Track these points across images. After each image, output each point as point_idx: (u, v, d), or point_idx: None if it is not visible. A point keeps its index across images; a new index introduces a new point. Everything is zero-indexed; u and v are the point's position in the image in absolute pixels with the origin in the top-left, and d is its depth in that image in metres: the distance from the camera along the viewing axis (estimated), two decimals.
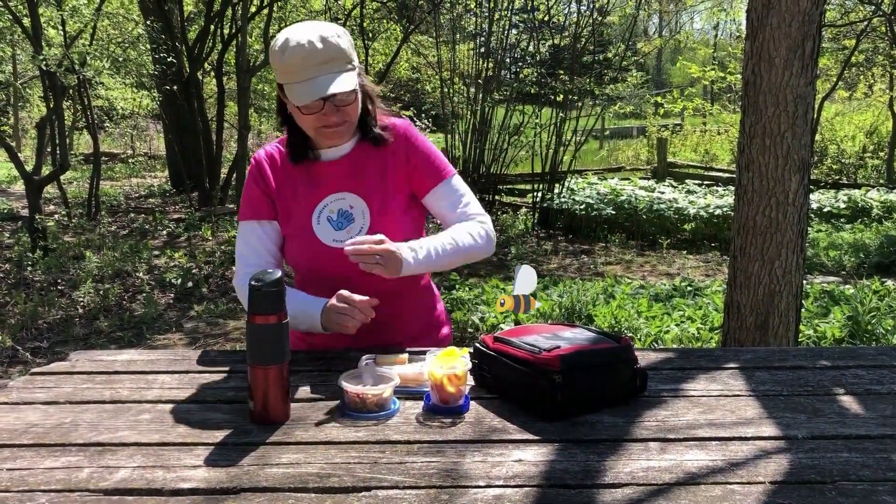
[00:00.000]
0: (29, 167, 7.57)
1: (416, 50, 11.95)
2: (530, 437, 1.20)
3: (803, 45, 2.76)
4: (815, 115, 4.48)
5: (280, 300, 1.26)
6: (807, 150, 2.86)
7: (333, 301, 1.53)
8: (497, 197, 9.93)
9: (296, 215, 1.67)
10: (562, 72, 9.66)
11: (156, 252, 7.44)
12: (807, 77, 2.79)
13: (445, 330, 1.86)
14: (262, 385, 1.25)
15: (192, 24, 11.61)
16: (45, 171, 8.03)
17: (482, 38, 9.90)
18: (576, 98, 9.50)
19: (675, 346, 4.31)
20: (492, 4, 9.56)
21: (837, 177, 12.18)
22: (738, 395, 1.38)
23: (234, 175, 9.48)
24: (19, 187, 12.32)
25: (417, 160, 1.69)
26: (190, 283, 6.21)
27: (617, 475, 1.07)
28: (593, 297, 5.20)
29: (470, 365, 1.41)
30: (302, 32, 1.52)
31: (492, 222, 1.74)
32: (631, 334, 4.49)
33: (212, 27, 10.11)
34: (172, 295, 5.98)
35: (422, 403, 1.33)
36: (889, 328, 4.32)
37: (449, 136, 9.68)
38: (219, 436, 1.21)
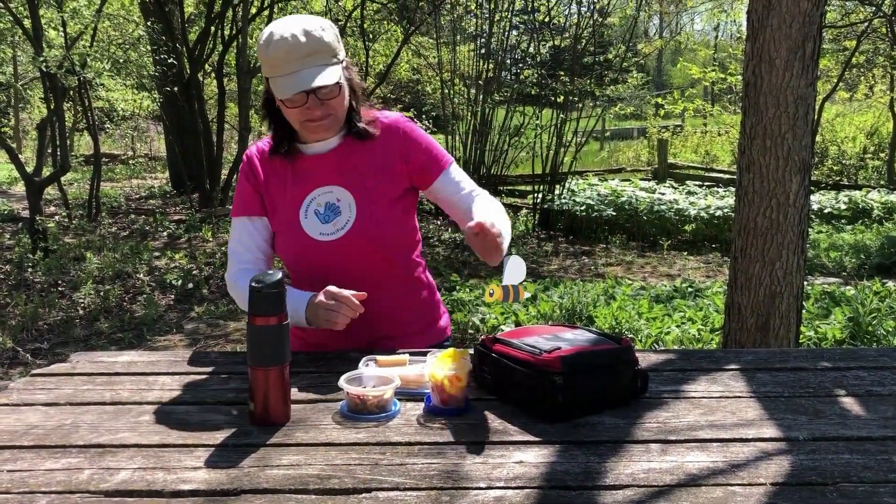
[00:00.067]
0: (29, 168, 7.57)
1: (417, 51, 11.96)
2: (531, 438, 1.20)
3: (804, 46, 2.76)
4: (816, 117, 4.48)
5: (280, 301, 1.26)
6: (807, 151, 2.86)
7: (321, 297, 1.52)
8: (497, 198, 9.91)
9: (283, 209, 1.67)
10: (562, 73, 9.67)
11: (156, 253, 7.44)
12: (807, 78, 2.79)
13: (443, 321, 1.83)
14: (262, 386, 1.25)
15: (193, 26, 11.61)
16: (46, 172, 8.03)
17: (483, 40, 9.92)
18: (576, 99, 9.49)
19: (675, 347, 4.31)
20: (492, 6, 9.57)
21: (838, 178, 12.18)
22: (739, 397, 1.38)
23: (235, 176, 9.48)
24: (20, 188, 12.33)
25: (417, 154, 1.69)
26: (190, 285, 6.21)
27: (618, 477, 1.07)
28: (594, 298, 5.20)
29: (471, 366, 1.40)
30: (286, 26, 1.52)
31: None
32: (632, 335, 4.49)
33: (212, 28, 10.10)
34: (173, 296, 5.98)
35: (422, 405, 1.33)
36: (890, 329, 4.32)
37: (449, 137, 9.69)
38: (219, 437, 1.21)
